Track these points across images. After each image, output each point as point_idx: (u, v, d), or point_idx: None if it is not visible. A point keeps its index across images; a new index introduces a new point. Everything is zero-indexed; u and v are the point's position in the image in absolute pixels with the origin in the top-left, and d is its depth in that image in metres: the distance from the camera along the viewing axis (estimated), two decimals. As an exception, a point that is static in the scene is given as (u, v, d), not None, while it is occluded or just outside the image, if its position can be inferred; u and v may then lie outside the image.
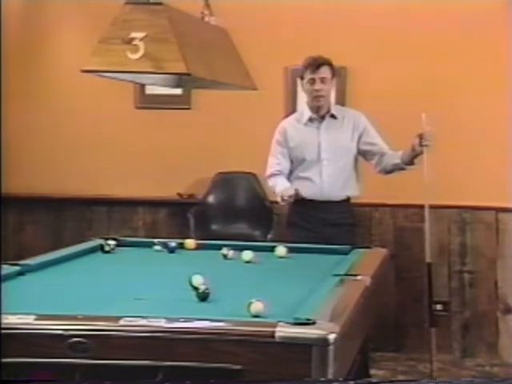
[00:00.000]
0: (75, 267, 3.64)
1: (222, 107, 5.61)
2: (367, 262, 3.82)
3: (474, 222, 5.47)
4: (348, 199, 4.62)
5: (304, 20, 5.52)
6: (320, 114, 4.58)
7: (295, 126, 4.63)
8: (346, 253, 4.05)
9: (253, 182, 5.67)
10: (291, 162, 4.60)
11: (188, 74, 3.08)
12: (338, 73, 4.66)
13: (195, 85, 4.18)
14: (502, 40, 5.21)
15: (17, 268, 3.35)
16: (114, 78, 3.50)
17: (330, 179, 4.53)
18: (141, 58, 3.01)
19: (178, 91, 5.53)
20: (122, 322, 2.45)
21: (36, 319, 2.47)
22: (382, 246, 4.50)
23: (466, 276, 5.49)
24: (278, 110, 5.65)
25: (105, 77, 3.41)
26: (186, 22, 3.32)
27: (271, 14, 5.52)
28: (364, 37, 5.42)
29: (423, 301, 5.41)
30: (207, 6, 3.61)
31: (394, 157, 4.53)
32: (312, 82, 4.50)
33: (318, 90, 4.50)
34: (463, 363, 5.37)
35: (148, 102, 5.80)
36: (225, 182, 5.74)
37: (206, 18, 3.60)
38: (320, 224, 4.50)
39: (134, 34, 3.02)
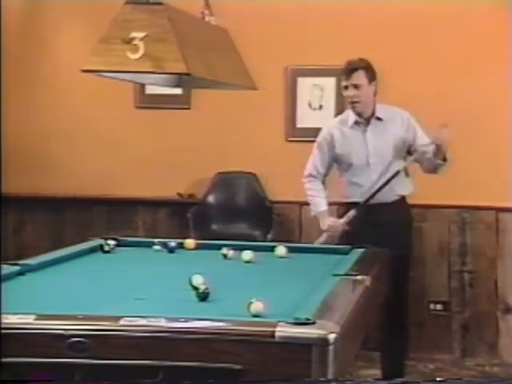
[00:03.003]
0: (75, 267, 3.64)
1: (222, 107, 5.61)
2: (367, 261, 3.82)
3: (473, 222, 5.47)
4: (403, 198, 4.56)
5: (304, 20, 5.52)
6: (364, 117, 4.52)
7: (341, 130, 4.56)
8: (345, 253, 4.05)
9: (253, 182, 5.67)
10: (340, 165, 4.58)
11: (188, 74, 3.08)
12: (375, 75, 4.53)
13: (195, 85, 4.18)
14: (501, 39, 5.22)
15: (17, 268, 3.34)
16: (114, 78, 3.50)
17: (380, 183, 4.45)
18: (141, 57, 3.01)
19: (178, 91, 5.54)
20: (122, 322, 2.45)
21: (36, 319, 2.47)
22: (382, 246, 4.49)
23: (466, 276, 5.49)
24: (278, 110, 5.66)
25: (105, 77, 3.41)
26: (186, 22, 3.32)
27: (271, 14, 5.51)
28: (364, 37, 5.41)
29: (423, 301, 5.42)
30: (207, 5, 3.60)
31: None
32: (346, 88, 4.46)
33: (351, 97, 4.45)
34: (463, 363, 5.36)
35: (148, 102, 5.80)
36: (225, 182, 5.74)
37: (206, 18, 3.60)
38: (373, 226, 4.42)
39: (134, 34, 3.02)
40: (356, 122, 4.54)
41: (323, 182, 4.66)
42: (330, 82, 5.60)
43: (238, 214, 5.71)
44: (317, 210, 4.63)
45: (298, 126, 5.68)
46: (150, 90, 5.66)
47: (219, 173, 5.71)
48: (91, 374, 2.37)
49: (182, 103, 5.73)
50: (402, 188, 4.54)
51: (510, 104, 5.24)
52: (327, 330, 2.37)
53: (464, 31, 5.38)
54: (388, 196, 4.49)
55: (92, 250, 3.99)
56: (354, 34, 5.46)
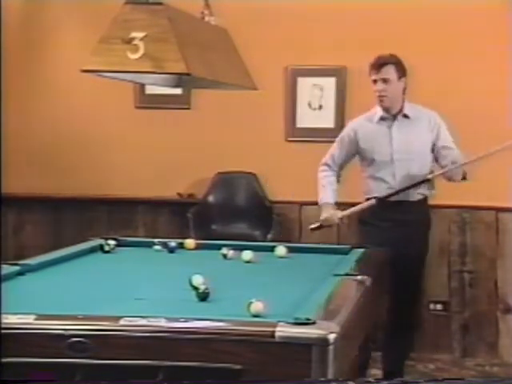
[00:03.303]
0: (75, 267, 3.64)
1: (222, 107, 5.61)
2: (367, 261, 3.82)
3: (473, 222, 5.47)
4: (425, 199, 4.54)
5: (304, 20, 5.52)
6: (391, 113, 4.48)
7: (366, 126, 4.53)
8: (345, 253, 4.05)
9: (253, 182, 5.67)
10: (363, 160, 4.55)
11: (188, 74, 3.08)
12: (406, 71, 4.46)
13: (195, 85, 4.18)
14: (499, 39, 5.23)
15: (17, 268, 3.35)
16: (114, 78, 3.50)
17: (403, 180, 4.42)
18: (141, 57, 3.01)
19: (178, 91, 5.53)
20: (122, 322, 2.45)
21: (36, 319, 2.47)
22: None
23: (466, 276, 5.49)
24: (278, 110, 5.66)
25: (105, 77, 3.41)
26: (186, 22, 3.32)
27: (271, 13, 5.51)
28: (364, 37, 5.41)
29: (423, 301, 5.42)
30: (207, 6, 3.60)
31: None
32: (375, 82, 4.42)
33: (379, 91, 4.41)
34: (463, 363, 5.37)
35: (148, 102, 5.80)
36: (225, 181, 5.74)
37: (206, 18, 3.60)
38: (393, 224, 4.40)
39: (134, 34, 3.02)
40: (382, 118, 4.50)
41: (338, 175, 4.62)
42: (330, 82, 5.61)
43: (237, 213, 5.71)
44: (322, 201, 4.58)
45: (298, 126, 5.68)
46: (150, 89, 5.66)
47: (219, 173, 5.71)
48: (91, 373, 2.37)
49: (182, 103, 5.73)
50: (426, 188, 4.52)
51: (509, 104, 5.24)
52: (327, 330, 2.37)
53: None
54: (413, 194, 4.47)
55: (92, 250, 3.99)
56: (354, 33, 5.45)
